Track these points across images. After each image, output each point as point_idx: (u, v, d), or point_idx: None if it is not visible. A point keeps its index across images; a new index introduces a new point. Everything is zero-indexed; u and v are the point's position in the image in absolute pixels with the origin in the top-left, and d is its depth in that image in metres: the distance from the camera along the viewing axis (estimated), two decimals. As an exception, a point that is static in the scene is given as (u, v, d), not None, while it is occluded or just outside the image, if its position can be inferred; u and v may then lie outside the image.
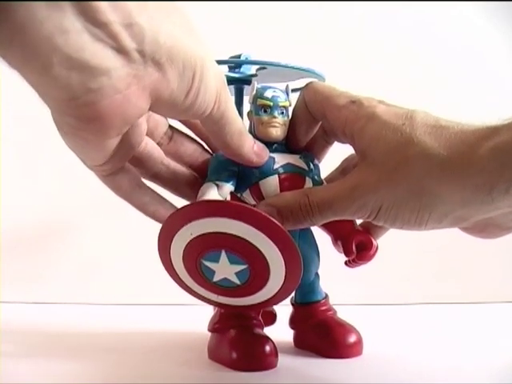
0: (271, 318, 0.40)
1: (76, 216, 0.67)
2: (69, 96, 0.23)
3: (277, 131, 0.35)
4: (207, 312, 0.39)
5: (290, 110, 0.36)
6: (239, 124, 0.31)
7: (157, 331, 0.48)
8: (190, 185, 0.36)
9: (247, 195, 0.35)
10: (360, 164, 0.31)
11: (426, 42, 0.71)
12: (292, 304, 0.40)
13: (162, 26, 0.24)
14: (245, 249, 0.31)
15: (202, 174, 0.36)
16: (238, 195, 0.35)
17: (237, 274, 0.32)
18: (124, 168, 0.32)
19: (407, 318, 0.58)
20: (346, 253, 0.36)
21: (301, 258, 0.31)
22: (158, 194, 0.35)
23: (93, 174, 0.32)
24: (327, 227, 0.36)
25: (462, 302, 0.62)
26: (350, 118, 0.31)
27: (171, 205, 0.35)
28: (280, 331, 0.39)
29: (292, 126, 0.35)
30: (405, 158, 0.28)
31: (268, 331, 0.37)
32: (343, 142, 0.34)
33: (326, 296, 0.40)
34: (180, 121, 0.36)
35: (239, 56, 0.40)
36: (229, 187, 0.34)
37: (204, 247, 0.31)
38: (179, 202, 0.34)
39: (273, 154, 0.34)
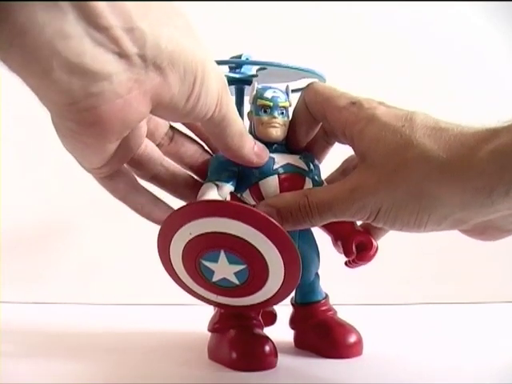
0: (271, 319, 0.40)
1: (76, 216, 0.67)
2: (69, 100, 0.23)
3: (277, 131, 0.35)
4: (207, 312, 0.39)
5: (290, 110, 0.36)
6: (240, 125, 0.31)
7: (157, 331, 0.48)
8: (188, 186, 0.36)
9: (247, 195, 0.35)
10: (360, 166, 0.31)
11: (426, 42, 0.71)
12: (292, 304, 0.40)
13: (163, 30, 0.24)
14: (244, 249, 0.31)
15: (202, 175, 0.36)
16: (238, 195, 0.35)
17: (236, 274, 0.32)
18: (121, 170, 0.32)
19: (407, 317, 0.58)
20: (346, 253, 0.36)
21: (300, 258, 0.31)
22: (154, 196, 0.35)
23: (92, 174, 0.32)
24: (327, 228, 0.36)
25: (461, 302, 0.62)
26: (350, 119, 0.31)
27: (167, 206, 0.35)
28: (280, 331, 0.39)
29: (292, 126, 0.35)
30: (404, 161, 0.28)
31: (268, 331, 0.37)
32: (343, 143, 0.34)
33: (326, 296, 0.40)
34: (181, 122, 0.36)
35: (240, 56, 0.40)
36: (229, 187, 0.34)
37: (203, 247, 0.31)
38: (176, 204, 0.34)
39: (273, 155, 0.34)
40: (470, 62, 0.71)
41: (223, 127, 0.30)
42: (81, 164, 0.30)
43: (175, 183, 0.36)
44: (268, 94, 0.35)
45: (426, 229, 0.29)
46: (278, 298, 0.33)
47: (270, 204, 0.32)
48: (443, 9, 0.70)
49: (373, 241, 0.36)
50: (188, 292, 0.35)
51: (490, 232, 0.31)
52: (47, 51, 0.22)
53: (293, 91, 0.37)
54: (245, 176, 0.34)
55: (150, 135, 0.34)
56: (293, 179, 0.34)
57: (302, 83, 0.37)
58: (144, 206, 0.34)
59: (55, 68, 0.22)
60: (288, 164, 0.34)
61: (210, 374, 0.34)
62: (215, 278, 0.32)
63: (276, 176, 0.34)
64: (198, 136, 0.37)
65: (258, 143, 0.33)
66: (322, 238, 0.37)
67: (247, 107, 0.37)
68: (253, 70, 0.40)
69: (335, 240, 0.36)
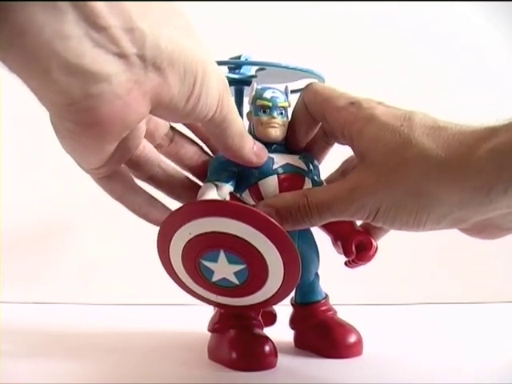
0: (271, 319, 0.40)
1: (76, 216, 0.67)
2: (68, 101, 0.23)
3: (276, 132, 0.35)
4: (207, 312, 0.39)
5: (290, 110, 0.36)
6: (240, 125, 0.31)
7: (157, 331, 0.48)
8: (184, 187, 0.36)
9: (246, 195, 0.35)
10: (359, 165, 0.31)
11: (426, 42, 0.71)
12: (292, 304, 0.40)
13: (163, 30, 0.24)
14: (243, 249, 0.31)
15: (201, 177, 0.36)
16: (238, 196, 0.35)
17: (235, 273, 0.32)
18: (119, 170, 0.32)
19: (407, 318, 0.58)
20: (346, 253, 0.36)
21: (299, 258, 0.31)
22: (151, 196, 0.35)
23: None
24: (327, 228, 0.36)
25: (461, 301, 0.62)
26: (349, 119, 0.31)
27: (164, 207, 0.35)
28: (280, 331, 0.39)
29: (292, 126, 0.36)
30: (403, 160, 0.28)
31: (268, 331, 0.37)
32: (343, 144, 0.34)
33: (326, 296, 0.40)
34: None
35: (239, 57, 0.40)
36: (228, 188, 0.34)
37: (203, 247, 0.31)
38: (173, 204, 0.34)
39: (272, 155, 0.34)
40: (470, 61, 0.71)
41: (224, 128, 0.30)
42: (79, 164, 0.30)
43: (172, 184, 0.36)
44: (267, 95, 0.35)
45: (426, 228, 0.29)
46: (277, 297, 0.33)
47: (269, 204, 0.32)
48: (443, 9, 0.70)
49: (372, 241, 0.36)
50: (188, 292, 0.35)
51: (489, 231, 0.31)
52: (46, 51, 0.22)
53: (292, 92, 0.37)
54: (244, 176, 0.34)
55: (150, 136, 0.34)
56: (292, 179, 0.34)
57: (301, 84, 0.37)
58: (141, 206, 0.34)
59: (54, 68, 0.22)
60: (287, 164, 0.34)
61: (209, 374, 0.34)
62: (215, 278, 0.33)
63: (275, 176, 0.34)
64: (198, 136, 0.37)
65: (257, 143, 0.33)
66: (322, 238, 0.37)
67: (246, 108, 0.37)
68: (252, 70, 0.40)
69: (335, 240, 0.36)
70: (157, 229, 0.32)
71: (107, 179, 0.32)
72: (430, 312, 0.60)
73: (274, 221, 0.30)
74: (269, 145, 0.35)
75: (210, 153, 0.37)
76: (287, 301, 0.39)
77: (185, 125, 0.37)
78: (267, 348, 0.35)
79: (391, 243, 0.38)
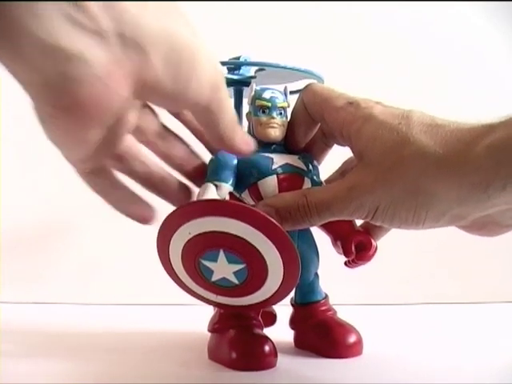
0: (271, 319, 0.40)
1: (76, 216, 0.67)
2: (42, 81, 0.22)
3: (275, 132, 0.35)
4: (207, 312, 0.39)
5: (289, 111, 0.36)
6: (233, 115, 0.30)
7: (157, 331, 0.48)
8: (165, 184, 0.35)
9: (246, 196, 0.35)
10: (357, 165, 0.31)
11: (426, 42, 0.71)
12: (292, 304, 0.40)
13: (147, 10, 0.23)
14: (243, 248, 0.31)
15: (191, 178, 0.35)
16: (237, 195, 0.35)
17: (235, 273, 0.32)
18: (104, 166, 0.31)
19: (407, 318, 0.58)
20: (346, 253, 0.36)
21: (299, 258, 0.31)
22: (133, 192, 0.34)
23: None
24: (326, 228, 0.36)
25: (461, 301, 0.62)
26: (348, 119, 0.31)
27: (145, 203, 0.34)
28: (280, 331, 0.39)
29: (291, 127, 0.36)
30: (400, 158, 0.28)
31: (268, 331, 0.37)
32: (342, 145, 0.34)
33: (326, 296, 0.40)
34: (174, 115, 0.35)
35: (238, 58, 0.40)
36: (228, 188, 0.34)
37: (202, 246, 0.31)
38: (160, 204, 0.34)
39: (271, 155, 0.34)
40: (470, 62, 0.71)
41: (217, 116, 0.28)
42: (66, 158, 0.29)
43: (152, 180, 0.35)
44: (266, 95, 0.35)
45: (425, 225, 0.30)
46: (277, 297, 0.33)
47: (268, 204, 0.32)
48: (443, 9, 0.70)
49: (372, 241, 0.36)
50: (187, 292, 0.35)
51: (488, 227, 0.31)
52: (18, 30, 0.21)
53: (291, 93, 0.37)
54: (244, 176, 0.34)
55: (140, 132, 0.33)
56: (292, 179, 0.34)
57: (301, 85, 0.37)
58: (122, 201, 0.33)
59: (26, 46, 0.21)
60: (287, 164, 0.34)
61: (209, 374, 0.34)
62: (214, 278, 0.33)
63: (275, 176, 0.34)
64: (190, 129, 0.36)
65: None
66: (322, 238, 0.37)
67: (246, 108, 0.37)
68: (251, 71, 0.40)
69: (334, 240, 0.37)
70: (157, 229, 0.32)
71: (93, 174, 0.31)
72: (430, 312, 0.60)
73: (274, 220, 0.30)
74: (268, 145, 0.35)
75: (199, 155, 0.36)
76: (287, 301, 0.39)
77: (178, 118, 0.36)
78: (267, 348, 0.35)
79: (391, 243, 0.38)
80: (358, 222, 0.37)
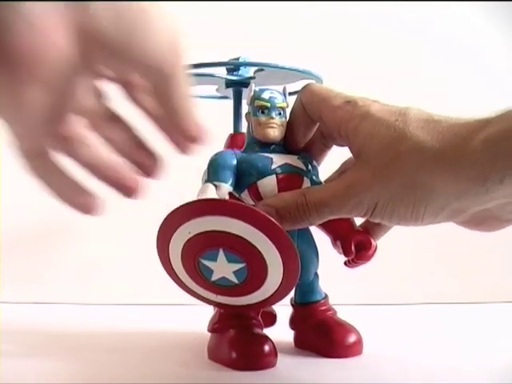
0: (271, 319, 0.40)
1: (76, 216, 0.67)
2: None
3: (274, 132, 0.35)
4: (207, 312, 0.39)
5: (288, 111, 0.36)
6: (189, 90, 0.27)
7: (157, 331, 0.48)
8: (114, 171, 0.32)
9: (245, 196, 0.35)
10: (355, 163, 0.31)
11: (425, 42, 0.71)
12: (292, 304, 0.40)
13: None
14: (243, 247, 0.31)
15: (133, 164, 0.32)
16: (237, 196, 0.35)
17: (235, 272, 0.32)
18: (47, 151, 0.29)
19: (407, 318, 0.58)
20: (345, 253, 0.36)
21: (298, 257, 0.31)
22: (78, 181, 0.31)
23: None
24: (326, 227, 0.36)
25: (461, 301, 0.62)
26: (345, 117, 0.32)
27: (89, 193, 0.32)
28: (280, 331, 0.39)
29: (290, 127, 0.36)
30: (397, 153, 0.29)
31: (268, 331, 0.37)
32: (341, 145, 0.34)
33: (326, 296, 0.40)
34: (125, 90, 0.31)
35: (237, 59, 0.40)
36: (227, 188, 0.34)
37: (202, 246, 0.31)
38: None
39: (271, 155, 0.34)
40: (470, 61, 0.70)
41: (171, 84, 0.26)
42: (13, 135, 0.27)
43: (100, 168, 0.31)
44: (265, 95, 0.35)
45: (424, 221, 0.30)
46: (276, 297, 0.33)
47: (268, 204, 0.32)
48: (443, 9, 0.70)
49: (372, 240, 0.36)
50: (187, 292, 0.35)
51: (488, 222, 0.31)
52: None
53: (290, 94, 0.37)
54: (243, 176, 0.34)
55: (85, 112, 0.30)
56: (291, 179, 0.34)
57: (300, 85, 0.37)
58: (68, 190, 0.31)
59: None
60: (286, 164, 0.34)
61: (209, 374, 0.34)
62: (214, 277, 0.33)
63: (274, 176, 0.34)
64: (143, 112, 0.31)
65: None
66: (322, 238, 0.37)
67: (245, 109, 0.37)
68: (250, 71, 0.40)
69: (334, 240, 0.37)
70: (156, 229, 0.32)
71: (38, 159, 0.29)
72: (430, 312, 0.60)
73: (274, 220, 0.30)
74: (267, 145, 0.35)
75: (146, 143, 0.32)
76: (287, 301, 0.39)
77: (129, 96, 0.31)
78: (267, 348, 0.35)
79: (391, 243, 0.38)
80: (358, 222, 0.37)
